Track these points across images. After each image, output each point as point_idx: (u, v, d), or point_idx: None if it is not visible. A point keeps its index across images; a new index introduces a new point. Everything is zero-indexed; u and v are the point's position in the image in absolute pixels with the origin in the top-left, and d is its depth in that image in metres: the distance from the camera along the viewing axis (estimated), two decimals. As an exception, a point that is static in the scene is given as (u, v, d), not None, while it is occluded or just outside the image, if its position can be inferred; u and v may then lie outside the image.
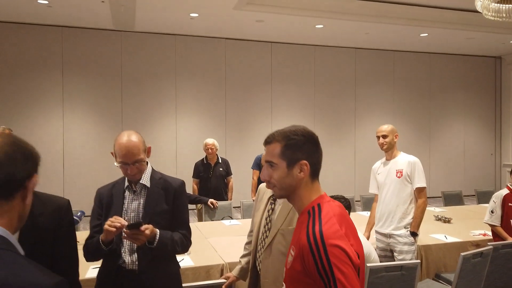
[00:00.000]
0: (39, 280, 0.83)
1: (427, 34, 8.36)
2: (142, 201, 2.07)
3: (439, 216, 4.66)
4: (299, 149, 1.31)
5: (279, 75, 9.00)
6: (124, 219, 2.03)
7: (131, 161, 1.99)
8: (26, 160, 0.99)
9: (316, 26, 7.69)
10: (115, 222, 1.86)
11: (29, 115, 7.46)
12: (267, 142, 1.36)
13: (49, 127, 7.58)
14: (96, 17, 7.09)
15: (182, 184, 2.18)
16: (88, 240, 2.05)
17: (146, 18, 7.17)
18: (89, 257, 2.04)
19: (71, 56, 7.68)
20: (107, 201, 2.09)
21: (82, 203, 5.72)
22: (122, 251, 2.04)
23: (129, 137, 2.01)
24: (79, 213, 3.49)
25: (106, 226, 1.86)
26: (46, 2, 6.30)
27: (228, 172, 5.35)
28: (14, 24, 7.30)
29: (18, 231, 1.02)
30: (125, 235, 1.87)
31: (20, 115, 7.41)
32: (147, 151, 2.10)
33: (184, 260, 3.14)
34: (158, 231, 1.97)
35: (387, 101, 9.84)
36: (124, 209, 2.06)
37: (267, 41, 8.80)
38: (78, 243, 1.78)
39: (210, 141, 5.21)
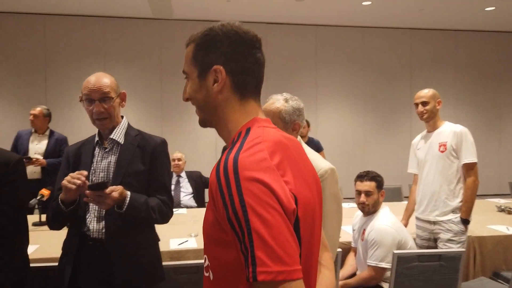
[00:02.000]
0: None
1: (493, 8, 7.37)
2: (113, 159, 1.78)
3: (503, 207, 3.92)
4: (213, 50, 0.91)
5: (325, 60, 8.45)
6: (92, 180, 1.75)
7: (97, 96, 1.75)
8: None
9: (363, 3, 7.07)
10: (75, 178, 1.58)
11: (73, 104, 7.62)
12: (186, 44, 0.98)
13: (92, 117, 7.69)
14: (135, 5, 7.05)
15: (163, 142, 1.88)
16: (51, 203, 1.78)
17: (182, 4, 7.01)
18: (51, 223, 1.77)
19: (112, 46, 7.73)
20: (74, 160, 1.82)
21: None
22: (87, 217, 1.74)
23: (100, 73, 1.83)
24: None
25: (64, 182, 1.59)
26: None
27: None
28: (58, 16, 7.49)
29: None
30: (87, 197, 1.57)
31: (65, 104, 7.59)
32: (122, 97, 1.85)
33: (188, 242, 2.82)
34: (128, 193, 1.66)
35: (449, 87, 8.86)
36: (92, 168, 1.78)
37: (311, 24, 8.30)
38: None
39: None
